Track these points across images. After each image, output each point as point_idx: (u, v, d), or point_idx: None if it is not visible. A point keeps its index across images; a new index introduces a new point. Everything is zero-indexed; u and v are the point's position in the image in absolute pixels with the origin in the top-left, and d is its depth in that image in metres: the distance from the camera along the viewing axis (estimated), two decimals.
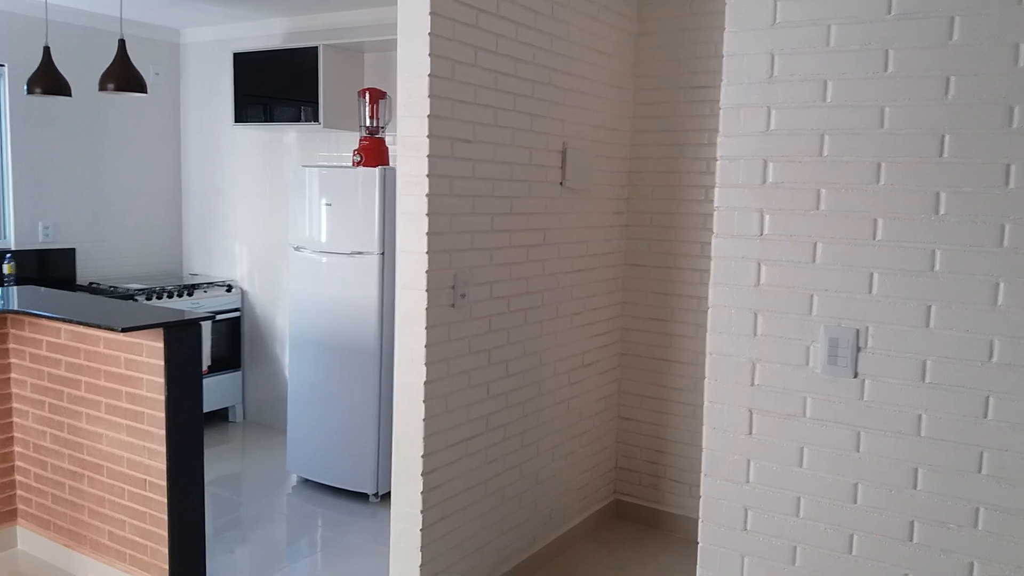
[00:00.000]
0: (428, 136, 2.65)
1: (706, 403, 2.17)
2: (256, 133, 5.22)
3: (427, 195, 2.68)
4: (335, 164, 4.92)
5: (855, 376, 1.97)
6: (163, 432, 2.93)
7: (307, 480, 4.46)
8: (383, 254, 4.06)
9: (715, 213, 2.11)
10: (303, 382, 4.37)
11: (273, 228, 5.28)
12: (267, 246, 5.32)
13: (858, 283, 1.95)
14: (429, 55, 2.61)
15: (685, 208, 3.80)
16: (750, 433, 2.12)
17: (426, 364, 2.76)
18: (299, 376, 4.39)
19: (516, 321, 3.19)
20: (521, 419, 3.30)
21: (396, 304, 2.79)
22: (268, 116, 4.75)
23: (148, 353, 2.93)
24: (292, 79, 4.60)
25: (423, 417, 2.78)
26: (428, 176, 2.67)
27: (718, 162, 2.10)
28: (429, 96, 2.63)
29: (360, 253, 4.10)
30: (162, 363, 2.88)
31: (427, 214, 2.69)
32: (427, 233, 2.69)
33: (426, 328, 2.74)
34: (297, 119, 4.61)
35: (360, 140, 4.29)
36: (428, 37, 2.60)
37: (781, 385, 2.06)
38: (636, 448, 4.07)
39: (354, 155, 4.24)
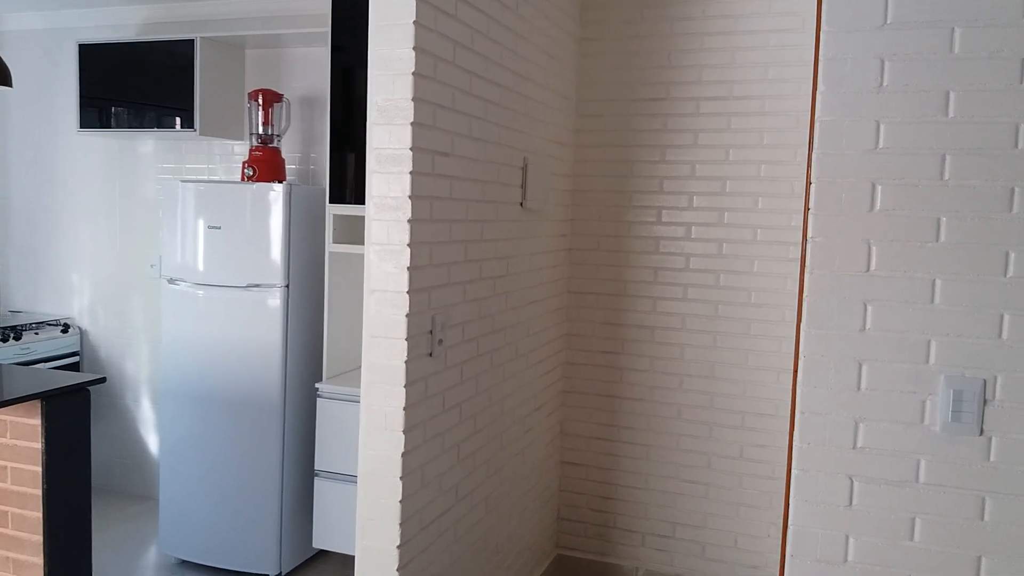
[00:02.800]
0: (412, 148, 2.13)
1: (795, 471, 1.82)
2: (105, 142, 4.34)
3: (409, 220, 2.15)
4: (213, 178, 4.17)
5: (980, 433, 1.70)
6: (39, 538, 2.18)
7: (187, 562, 3.68)
8: (287, 287, 3.42)
9: (809, 245, 1.77)
10: (179, 441, 3.61)
11: (125, 254, 4.41)
12: (116, 276, 4.44)
13: (986, 326, 1.68)
14: (414, 49, 2.09)
15: (636, 231, 3.48)
16: (850, 504, 1.79)
17: (404, 431, 2.22)
18: (174, 434, 3.62)
19: (483, 366, 2.71)
20: (486, 481, 2.82)
21: (363, 357, 2.23)
22: (124, 121, 3.93)
23: (15, 433, 2.17)
24: (157, 77, 3.83)
25: (400, 498, 2.23)
26: (411, 197, 2.15)
27: (812, 184, 1.76)
28: (413, 99, 2.11)
29: (257, 286, 3.43)
30: (38, 446, 2.14)
31: (409, 244, 2.16)
32: (408, 268, 2.17)
33: (405, 386, 2.20)
34: (164, 125, 3.84)
35: (251, 151, 3.62)
36: (413, 27, 2.09)
37: (891, 447, 1.75)
38: (581, 496, 3.68)
39: (244, 168, 3.56)
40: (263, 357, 3.44)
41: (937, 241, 1.70)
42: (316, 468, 3.33)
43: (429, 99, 2.19)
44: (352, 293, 3.42)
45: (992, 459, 1.70)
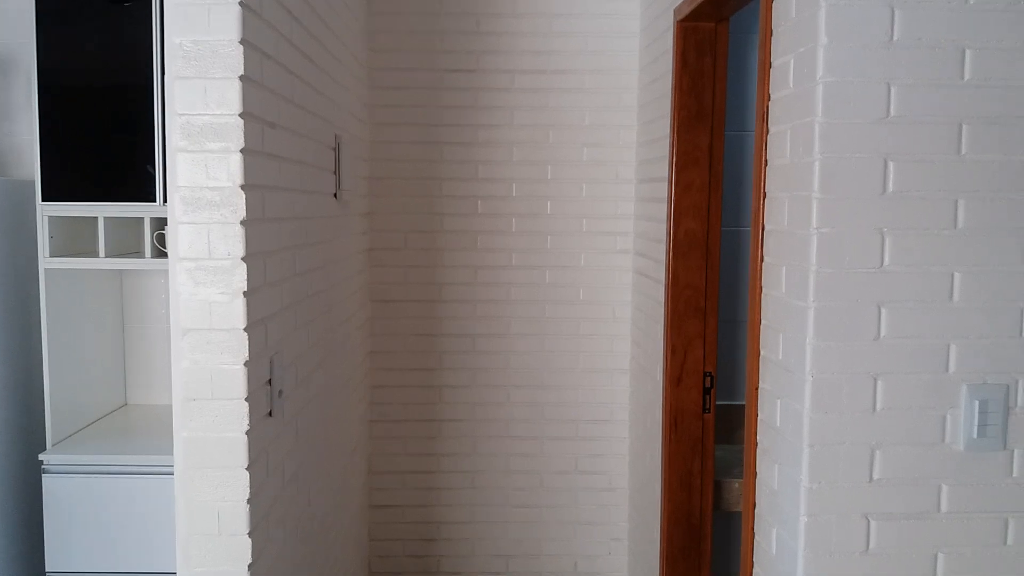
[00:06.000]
0: (242, 114, 1.42)
1: (804, 516, 1.46)
2: None
3: (243, 222, 1.44)
4: None
5: (1004, 447, 1.47)
6: None
7: None
8: None
9: (814, 236, 1.41)
10: None
11: None
12: None
13: (1006, 324, 1.45)
14: None
15: (450, 224, 2.95)
16: (867, 549, 1.48)
17: (250, 533, 1.51)
18: None
19: (315, 414, 2.04)
20: (322, 565, 2.15)
21: (176, 431, 1.48)
22: None
23: None
24: None
25: None
26: (244, 188, 1.44)
27: (816, 162, 1.40)
28: (242, 42, 1.40)
29: None
30: None
31: (244, 257, 1.45)
32: (245, 292, 1.46)
33: (248, 467, 1.49)
34: None
35: None
36: None
37: (910, 475, 1.46)
38: (395, 543, 3.09)
39: None
40: None
41: (955, 227, 1.42)
42: (47, 569, 2.38)
43: (258, 44, 1.49)
44: (83, 323, 2.50)
45: (1015, 475, 1.48)
